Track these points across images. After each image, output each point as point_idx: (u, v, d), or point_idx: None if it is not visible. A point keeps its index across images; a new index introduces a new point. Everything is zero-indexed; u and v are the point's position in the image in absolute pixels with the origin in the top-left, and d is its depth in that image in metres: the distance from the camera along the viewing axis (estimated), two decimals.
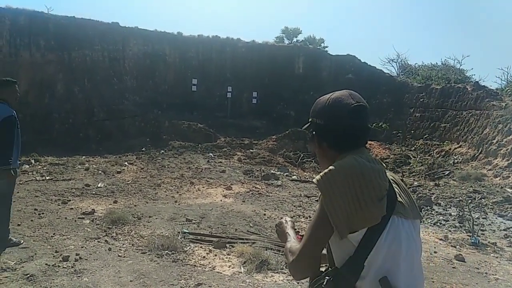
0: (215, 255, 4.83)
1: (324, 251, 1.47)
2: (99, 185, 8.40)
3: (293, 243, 1.54)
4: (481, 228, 6.51)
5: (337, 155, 1.47)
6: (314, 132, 1.56)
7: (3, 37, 13.42)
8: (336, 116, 1.46)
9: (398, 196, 1.41)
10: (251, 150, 13.63)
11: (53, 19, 14.45)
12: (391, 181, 1.44)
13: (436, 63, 20.47)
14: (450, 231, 6.58)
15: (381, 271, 1.33)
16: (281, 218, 1.88)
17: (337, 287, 1.37)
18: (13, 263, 4.24)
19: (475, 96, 12.63)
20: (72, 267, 4.24)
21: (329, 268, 1.45)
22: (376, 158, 1.50)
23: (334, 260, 1.43)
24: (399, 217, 1.38)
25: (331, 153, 1.50)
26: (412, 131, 14.87)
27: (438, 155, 12.68)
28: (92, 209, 6.52)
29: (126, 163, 11.00)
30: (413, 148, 14.14)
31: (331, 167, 1.38)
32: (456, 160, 11.68)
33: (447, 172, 11.00)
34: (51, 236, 5.20)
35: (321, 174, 1.38)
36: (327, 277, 1.39)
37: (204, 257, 4.76)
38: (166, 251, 4.76)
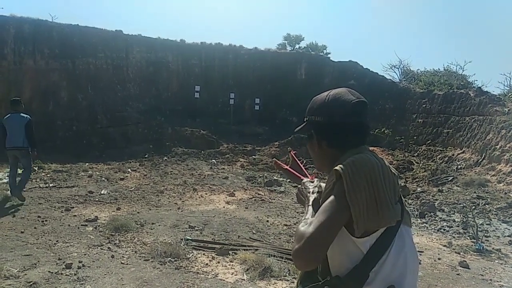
0: (218, 262, 4.82)
1: None
2: (102, 192, 8.42)
3: (305, 225, 1.27)
4: (485, 234, 6.46)
5: (338, 154, 1.39)
6: (312, 131, 1.47)
7: (8, 45, 13.55)
8: (337, 112, 1.39)
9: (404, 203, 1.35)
10: (253, 157, 13.64)
11: (57, 27, 14.58)
12: None
13: (438, 69, 20.43)
14: (454, 237, 6.54)
15: (387, 281, 1.25)
16: (304, 181, 1.68)
17: None
18: (16, 270, 4.24)
19: (477, 102, 12.60)
20: (75, 274, 4.23)
21: (319, 278, 1.35)
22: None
23: (330, 267, 1.32)
24: (404, 225, 1.33)
25: (332, 152, 1.42)
26: (415, 137, 14.83)
27: (441, 161, 12.63)
28: (95, 216, 6.53)
29: (129, 170, 11.02)
30: (416, 154, 14.09)
31: (353, 159, 1.27)
32: (459, 166, 11.63)
33: (450, 178, 10.95)
34: (54, 243, 5.21)
35: (344, 163, 1.27)
36: (326, 286, 1.29)
37: (207, 264, 4.75)
38: (169, 258, 4.75)
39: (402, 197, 1.36)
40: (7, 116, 7.49)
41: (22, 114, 7.46)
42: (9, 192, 8.00)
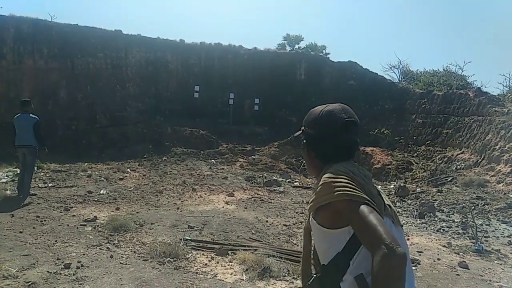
0: (217, 262, 4.81)
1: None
2: (101, 192, 8.41)
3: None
4: (484, 235, 6.47)
5: (322, 166, 1.51)
6: (305, 141, 1.59)
7: (7, 45, 13.52)
8: (328, 128, 1.50)
9: (384, 199, 1.44)
10: (253, 157, 13.64)
11: (57, 27, 14.56)
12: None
13: (438, 69, 20.46)
14: (453, 237, 6.54)
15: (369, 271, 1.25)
16: None
17: (322, 284, 1.39)
18: (15, 270, 4.23)
19: (477, 102, 12.61)
20: (73, 274, 4.22)
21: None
22: (362, 167, 1.56)
23: (320, 260, 1.45)
24: (388, 219, 1.39)
25: (317, 162, 1.55)
26: (414, 137, 14.83)
27: (440, 161, 12.64)
28: (94, 216, 6.52)
29: (128, 169, 11.01)
30: (416, 154, 14.10)
31: (324, 179, 1.40)
32: (458, 166, 11.63)
33: (449, 178, 10.96)
34: (53, 243, 5.20)
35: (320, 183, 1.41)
36: (313, 275, 1.45)
37: (206, 264, 4.75)
38: (168, 258, 4.74)
39: (385, 197, 1.48)
40: (17, 115, 7.91)
41: (31, 115, 7.85)
42: (8, 191, 8.01)
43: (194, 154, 13.35)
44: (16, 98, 13.26)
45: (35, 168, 8.63)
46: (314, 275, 1.45)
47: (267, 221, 6.86)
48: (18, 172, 8.32)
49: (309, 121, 1.57)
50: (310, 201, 1.48)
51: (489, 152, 10.94)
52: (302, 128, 1.60)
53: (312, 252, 1.55)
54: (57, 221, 6.24)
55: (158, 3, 73.59)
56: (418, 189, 10.31)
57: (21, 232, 5.56)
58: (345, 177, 1.36)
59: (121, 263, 4.65)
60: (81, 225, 6.07)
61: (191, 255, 4.97)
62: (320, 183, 1.41)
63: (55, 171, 10.25)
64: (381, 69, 24.38)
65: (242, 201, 8.34)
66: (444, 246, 6.07)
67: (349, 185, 1.32)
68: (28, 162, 7.81)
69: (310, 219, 1.48)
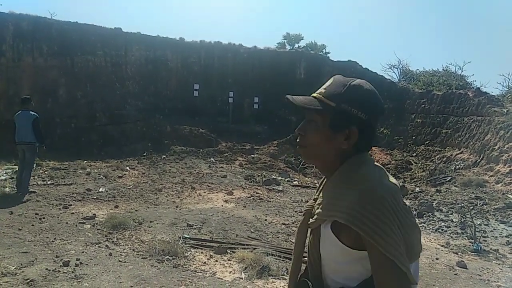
0: (216, 261, 4.81)
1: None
2: (100, 190, 8.41)
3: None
4: (483, 235, 6.47)
5: (344, 158, 1.25)
6: (348, 126, 1.23)
7: (6, 42, 13.48)
8: (376, 110, 1.28)
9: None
10: (252, 155, 13.64)
11: (56, 25, 14.52)
12: None
13: (438, 69, 20.45)
14: (452, 237, 6.55)
15: None
16: None
17: None
18: (14, 268, 4.23)
19: (476, 102, 12.62)
20: (72, 272, 4.23)
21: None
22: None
23: (329, 271, 1.27)
24: (417, 262, 1.29)
25: (346, 153, 1.25)
26: (414, 137, 14.85)
27: (439, 161, 12.65)
28: (93, 214, 6.52)
29: (127, 167, 11.01)
30: (415, 154, 14.11)
31: (371, 197, 1.13)
32: (457, 166, 11.65)
33: (448, 178, 10.97)
34: (52, 241, 5.20)
35: (359, 205, 1.12)
36: (307, 281, 1.32)
37: (204, 262, 4.75)
38: (167, 257, 4.75)
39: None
40: (17, 113, 8.03)
41: (31, 112, 7.95)
42: (6, 189, 8.01)
43: (193, 153, 13.34)
44: (16, 96, 13.26)
45: (34, 165, 8.66)
46: (309, 282, 1.30)
47: (266, 220, 6.86)
48: (17, 169, 8.34)
49: (359, 102, 1.23)
50: (326, 207, 1.23)
51: (488, 152, 10.95)
52: (345, 108, 1.22)
53: (309, 253, 1.35)
54: (56, 218, 6.24)
55: (158, 1, 73.55)
56: (417, 189, 10.32)
57: (20, 230, 5.56)
58: (394, 218, 1.11)
59: (120, 261, 4.65)
60: (80, 222, 6.07)
61: (190, 253, 4.97)
62: (365, 197, 1.13)
63: (54, 168, 10.25)
64: (380, 68, 24.48)
65: (241, 200, 8.34)
66: (442, 245, 6.08)
67: (399, 246, 1.10)
68: (27, 159, 7.88)
69: (324, 227, 1.24)
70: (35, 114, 7.97)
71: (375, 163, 1.30)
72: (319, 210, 1.26)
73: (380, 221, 1.09)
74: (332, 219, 1.19)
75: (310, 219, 1.32)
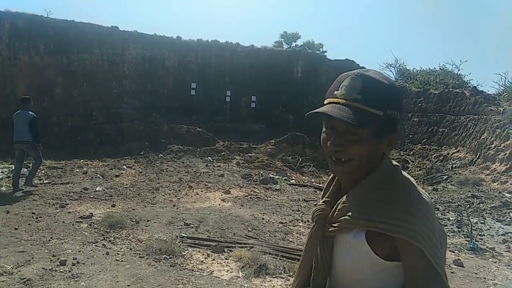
0: (213, 260, 4.81)
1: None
2: (97, 189, 8.38)
3: None
4: (479, 233, 6.50)
5: (380, 159, 1.18)
6: (394, 129, 1.16)
7: (2, 41, 13.42)
8: (403, 106, 1.19)
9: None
10: (249, 154, 13.63)
11: (53, 23, 14.46)
12: None
13: (434, 68, 20.49)
14: (448, 236, 6.57)
15: None
16: None
17: None
18: (10, 267, 4.22)
19: (473, 101, 12.66)
20: (69, 271, 4.21)
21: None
22: None
23: (351, 283, 1.21)
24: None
25: (379, 154, 1.18)
26: (410, 136, 14.88)
27: (436, 160, 12.69)
28: (90, 213, 6.50)
29: (124, 166, 10.98)
30: (411, 152, 14.15)
31: (413, 209, 1.07)
32: (454, 165, 11.69)
33: (445, 177, 11.01)
34: (49, 240, 5.18)
35: (412, 224, 1.05)
36: None
37: (202, 261, 4.75)
38: (164, 256, 4.74)
39: None
40: (16, 112, 8.18)
41: (29, 112, 8.09)
42: (2, 188, 7.98)
43: (190, 152, 13.33)
44: (12, 94, 13.22)
45: (42, 159, 8.62)
46: None
47: (263, 219, 6.86)
48: (13, 168, 8.34)
49: (394, 102, 1.13)
50: (361, 215, 1.13)
51: (484, 151, 10.99)
52: (383, 112, 1.09)
53: (316, 262, 1.27)
54: (52, 217, 6.22)
55: (155, 0, 73.33)
56: None
57: (16, 229, 5.53)
58: (437, 228, 1.11)
59: (117, 260, 4.64)
60: (76, 222, 6.06)
61: (187, 252, 4.97)
62: (415, 208, 1.07)
63: (51, 167, 10.21)
64: (377, 67, 24.38)
65: (239, 199, 8.34)
66: None
67: (444, 258, 1.13)
68: (33, 157, 8.23)
69: (352, 236, 1.15)
70: (33, 114, 8.10)
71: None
72: (346, 217, 1.15)
73: (433, 234, 1.07)
74: (371, 229, 1.10)
75: (329, 225, 1.21)
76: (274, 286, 4.19)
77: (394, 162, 1.21)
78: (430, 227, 1.07)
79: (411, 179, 1.17)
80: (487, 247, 5.96)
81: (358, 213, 1.13)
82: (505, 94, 14.48)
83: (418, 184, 1.18)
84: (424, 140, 14.16)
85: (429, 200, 1.13)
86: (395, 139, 1.17)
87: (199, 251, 5.05)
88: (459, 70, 19.45)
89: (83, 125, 13.89)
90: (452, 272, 4.90)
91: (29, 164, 8.86)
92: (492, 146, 10.78)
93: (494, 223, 7.25)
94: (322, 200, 1.30)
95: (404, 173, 1.19)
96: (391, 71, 22.02)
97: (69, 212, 6.59)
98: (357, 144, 1.11)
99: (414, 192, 1.11)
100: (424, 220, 1.07)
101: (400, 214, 1.06)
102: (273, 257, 4.83)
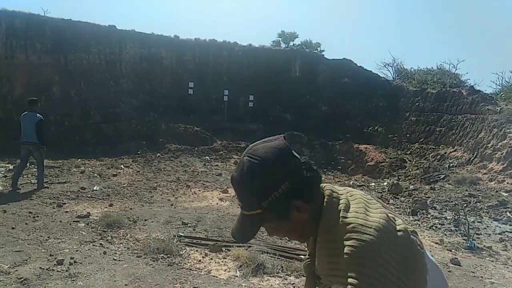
0: (211, 259, 4.81)
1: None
2: (94, 188, 8.37)
3: None
4: (476, 232, 6.52)
5: (317, 202, 1.18)
6: (287, 203, 1.13)
7: None
8: (293, 170, 1.13)
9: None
10: None
11: (50, 22, 14.40)
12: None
13: (432, 68, 20.53)
14: (445, 234, 6.59)
15: None
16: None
17: None
18: (7, 266, 4.20)
19: (470, 101, 12.69)
20: (66, 270, 4.21)
21: None
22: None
23: None
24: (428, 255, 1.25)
25: (312, 207, 1.16)
26: (408, 135, 14.91)
27: (433, 159, 12.71)
28: (88, 212, 6.49)
29: (122, 166, 10.96)
30: (409, 152, 14.17)
31: (360, 242, 1.06)
32: (451, 164, 11.71)
33: (442, 176, 11.03)
34: (46, 240, 5.17)
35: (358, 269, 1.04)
36: None
37: (199, 260, 4.75)
38: (162, 255, 4.74)
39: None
40: (23, 113, 8.30)
41: (37, 114, 8.22)
42: None
43: (188, 151, 13.32)
44: (9, 94, 13.18)
45: (44, 160, 8.68)
46: None
47: None
48: (14, 167, 8.38)
49: (265, 187, 1.14)
50: (327, 272, 1.17)
51: (481, 150, 11.02)
52: (258, 211, 1.16)
53: None
54: (50, 217, 6.21)
55: None
56: (411, 187, 10.36)
57: (13, 228, 5.52)
58: (392, 266, 1.06)
59: (114, 259, 4.63)
60: (74, 221, 6.04)
61: (185, 252, 4.97)
62: (355, 257, 1.06)
63: (48, 167, 10.16)
64: (375, 67, 24.56)
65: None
66: (436, 243, 6.12)
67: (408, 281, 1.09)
68: (37, 159, 8.29)
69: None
70: (40, 116, 8.25)
71: (341, 188, 1.24)
72: (325, 276, 1.21)
73: (385, 278, 1.03)
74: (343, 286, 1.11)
75: (318, 280, 1.30)
76: (271, 285, 4.20)
77: (335, 195, 1.19)
78: (381, 272, 1.04)
79: (359, 208, 1.14)
80: (484, 246, 5.98)
81: (325, 271, 1.18)
82: (502, 93, 14.54)
83: (378, 200, 1.20)
84: (421, 139, 14.18)
85: (379, 232, 1.07)
86: (301, 206, 1.14)
87: (196, 251, 5.05)
88: (456, 69, 19.52)
89: (80, 125, 13.86)
90: (449, 271, 4.92)
91: (29, 164, 8.87)
92: (489, 145, 10.81)
93: (491, 222, 7.28)
94: (308, 253, 1.36)
95: (353, 204, 1.16)
96: (388, 71, 22.08)
97: (67, 212, 6.58)
98: (275, 229, 1.22)
99: (362, 235, 1.07)
100: (371, 271, 1.03)
101: (347, 268, 1.06)
102: (271, 256, 4.84)
